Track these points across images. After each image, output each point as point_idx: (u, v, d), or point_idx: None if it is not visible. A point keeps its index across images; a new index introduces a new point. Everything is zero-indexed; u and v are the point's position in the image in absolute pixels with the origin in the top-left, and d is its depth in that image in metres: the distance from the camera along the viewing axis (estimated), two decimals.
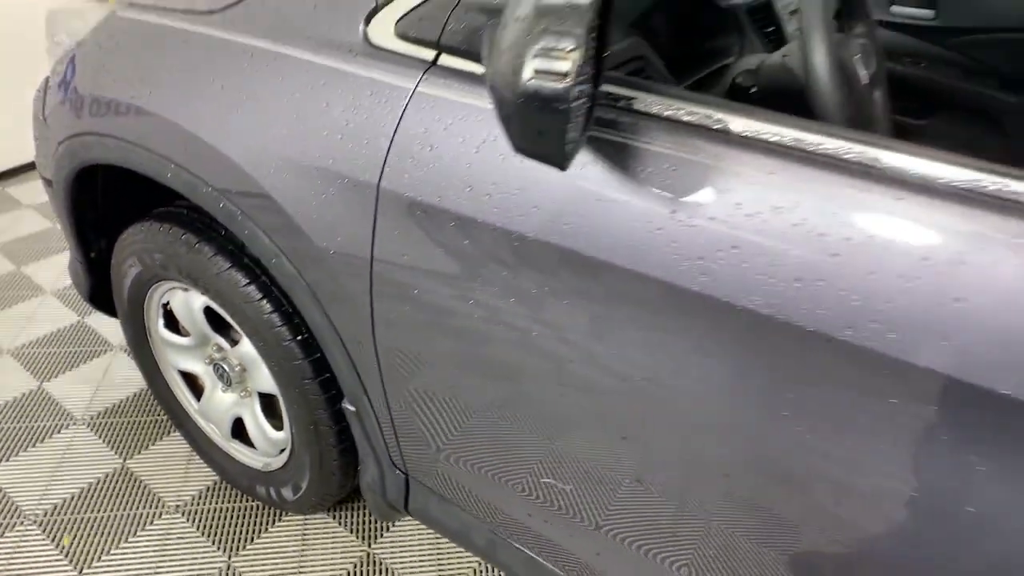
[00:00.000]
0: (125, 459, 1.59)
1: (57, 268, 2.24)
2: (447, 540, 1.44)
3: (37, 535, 1.41)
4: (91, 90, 1.16)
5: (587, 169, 0.70)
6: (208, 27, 1.00)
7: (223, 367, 1.36)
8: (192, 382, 1.51)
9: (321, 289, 0.98)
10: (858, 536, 0.66)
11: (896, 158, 0.58)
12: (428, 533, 1.45)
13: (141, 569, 1.36)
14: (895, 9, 1.84)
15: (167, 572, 1.36)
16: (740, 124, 0.64)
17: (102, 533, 1.42)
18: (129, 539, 1.42)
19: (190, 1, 1.06)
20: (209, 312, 1.29)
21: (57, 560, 1.37)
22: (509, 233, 0.75)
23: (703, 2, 1.15)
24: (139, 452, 1.61)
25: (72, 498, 1.49)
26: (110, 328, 1.97)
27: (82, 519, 1.45)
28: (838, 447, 0.62)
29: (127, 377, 1.82)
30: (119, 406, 1.73)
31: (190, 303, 1.30)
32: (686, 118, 0.65)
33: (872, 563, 0.66)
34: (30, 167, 2.86)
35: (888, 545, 0.64)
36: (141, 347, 1.50)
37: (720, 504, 0.74)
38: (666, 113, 0.67)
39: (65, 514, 1.46)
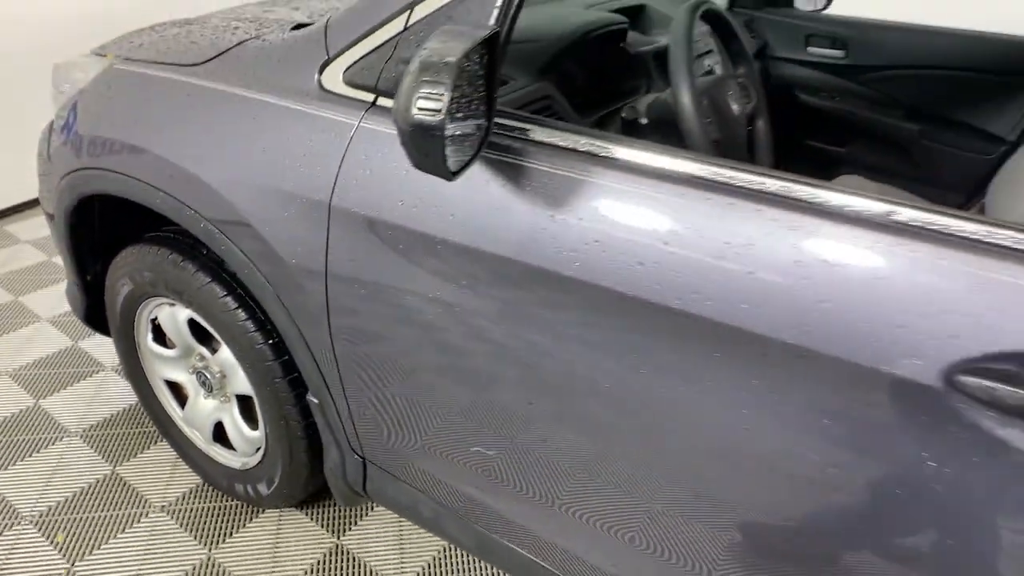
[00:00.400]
0: (115, 466, 1.73)
1: (53, 297, 2.40)
2: (410, 531, 1.58)
3: (33, 534, 1.54)
4: (91, 131, 1.34)
5: (490, 184, 0.88)
6: (191, 77, 1.19)
7: (205, 375, 1.52)
8: (177, 392, 1.66)
9: (286, 296, 1.15)
10: (698, 469, 0.82)
11: (703, 168, 0.76)
12: (392, 525, 1.59)
13: (130, 562, 1.49)
14: (811, 50, 2.07)
15: (153, 564, 1.49)
16: (603, 149, 0.83)
17: (93, 531, 1.55)
18: (118, 535, 1.55)
19: (176, 56, 1.25)
20: (192, 324, 1.46)
21: (51, 555, 1.50)
22: (433, 238, 0.92)
23: (615, 50, 1.35)
24: (128, 459, 1.75)
25: (66, 501, 1.63)
26: (102, 351, 2.12)
27: (75, 519, 1.58)
28: (680, 394, 0.79)
29: (118, 394, 1.96)
30: (110, 420, 1.87)
31: (176, 316, 1.46)
32: (561, 143, 0.84)
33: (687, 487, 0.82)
34: (27, 205, 3.03)
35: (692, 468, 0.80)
36: (131, 361, 1.65)
37: (608, 457, 0.90)
38: (548, 140, 0.85)
39: (59, 515, 1.59)
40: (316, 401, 1.24)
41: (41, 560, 1.49)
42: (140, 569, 1.47)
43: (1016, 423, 0.63)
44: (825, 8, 2.15)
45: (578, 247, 0.81)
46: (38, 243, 2.77)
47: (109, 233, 1.56)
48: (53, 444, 1.78)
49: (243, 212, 1.11)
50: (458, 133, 0.70)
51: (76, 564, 1.48)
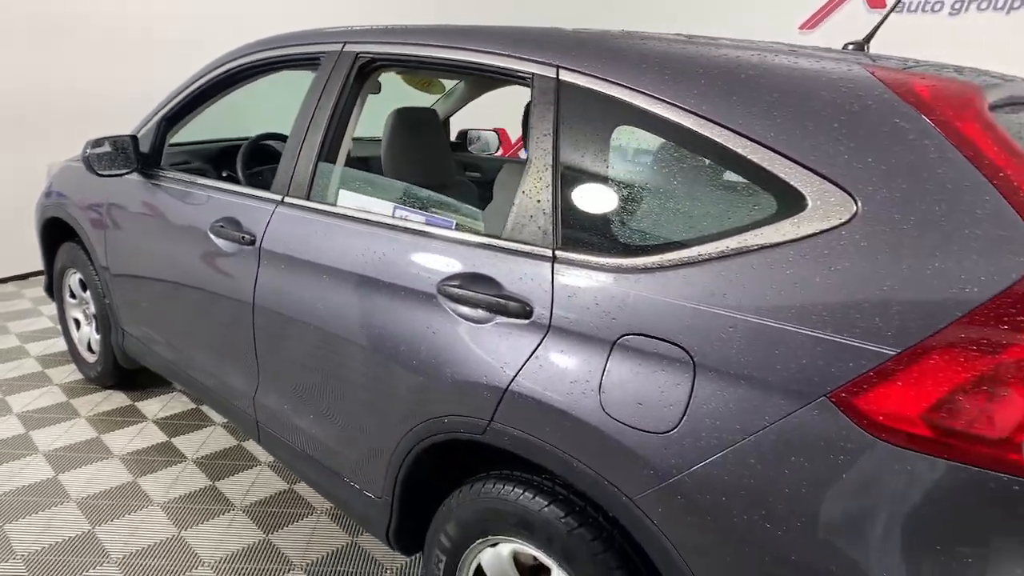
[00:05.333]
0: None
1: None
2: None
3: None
4: (55, 189, 2.99)
5: (156, 186, 2.37)
6: (77, 163, 2.82)
7: (88, 312, 3.02)
8: (76, 327, 3.15)
9: (98, 250, 2.66)
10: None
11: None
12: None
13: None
14: (467, 173, 3.54)
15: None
16: (204, 183, 2.31)
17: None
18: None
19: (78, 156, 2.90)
20: (80, 283, 2.99)
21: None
22: (133, 211, 2.42)
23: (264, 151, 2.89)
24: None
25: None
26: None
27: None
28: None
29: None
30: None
31: (74, 278, 3.00)
32: (181, 178, 2.33)
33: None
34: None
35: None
36: (62, 314, 3.18)
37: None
38: (170, 175, 2.35)
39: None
40: (108, 302, 2.70)
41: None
42: None
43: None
44: (495, 152, 3.64)
45: (174, 214, 2.28)
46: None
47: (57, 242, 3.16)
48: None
49: (84, 208, 2.68)
50: (109, 171, 2.24)
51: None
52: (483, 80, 2.66)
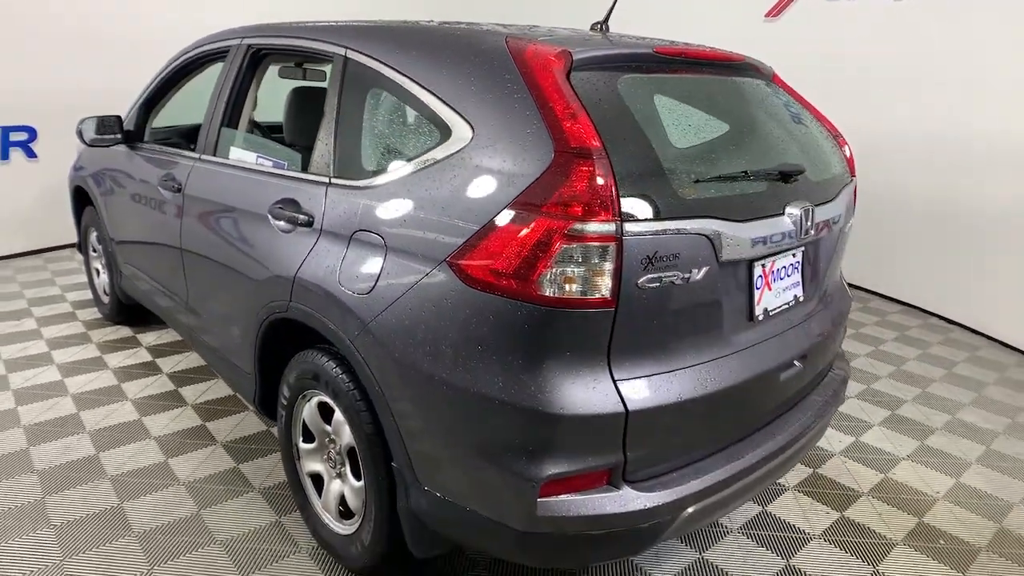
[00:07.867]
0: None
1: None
2: None
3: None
4: (80, 163, 3.75)
5: (135, 155, 3.05)
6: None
7: (103, 262, 3.76)
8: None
9: (101, 202, 3.39)
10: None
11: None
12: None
13: None
14: None
15: None
16: (164, 150, 2.98)
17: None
18: None
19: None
20: (98, 239, 3.73)
21: None
22: (117, 170, 3.12)
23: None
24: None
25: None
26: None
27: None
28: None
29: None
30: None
31: (94, 236, 3.75)
32: (152, 147, 3.00)
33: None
34: None
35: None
36: (87, 264, 3.95)
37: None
38: (146, 146, 3.02)
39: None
40: (109, 251, 3.42)
41: None
42: None
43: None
44: None
45: (143, 174, 2.95)
46: None
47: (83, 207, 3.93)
48: None
49: (94, 175, 3.40)
50: (98, 144, 2.93)
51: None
52: None
